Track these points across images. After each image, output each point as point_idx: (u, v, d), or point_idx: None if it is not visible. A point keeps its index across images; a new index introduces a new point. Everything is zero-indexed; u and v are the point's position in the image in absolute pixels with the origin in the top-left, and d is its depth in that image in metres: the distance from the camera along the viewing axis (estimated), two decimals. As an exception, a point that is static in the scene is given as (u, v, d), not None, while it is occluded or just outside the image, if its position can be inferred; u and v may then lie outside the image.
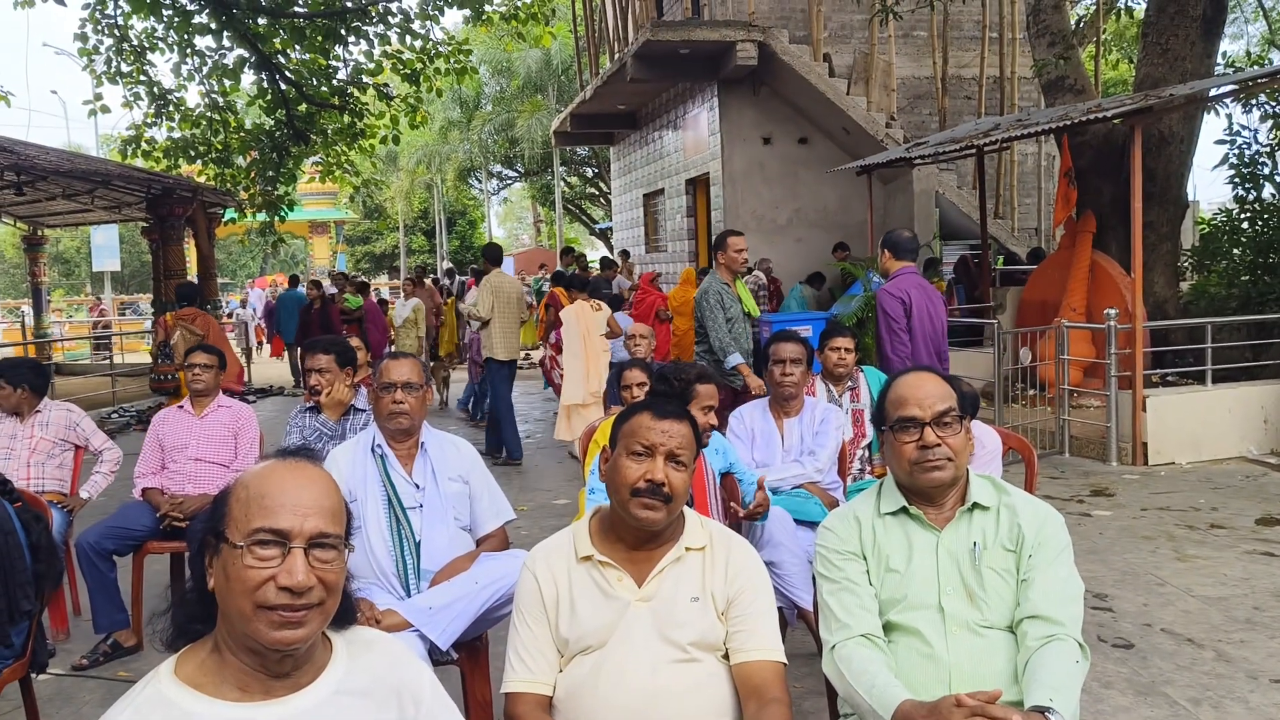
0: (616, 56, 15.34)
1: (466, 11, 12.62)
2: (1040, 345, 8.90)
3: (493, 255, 9.33)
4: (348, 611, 1.62)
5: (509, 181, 39.01)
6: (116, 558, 4.40)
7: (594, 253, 36.83)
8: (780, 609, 3.61)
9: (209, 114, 12.88)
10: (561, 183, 31.72)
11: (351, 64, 12.91)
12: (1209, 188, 65.81)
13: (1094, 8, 13.87)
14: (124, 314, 29.57)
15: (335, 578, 1.52)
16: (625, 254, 17.26)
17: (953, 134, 10.77)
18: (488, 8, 12.74)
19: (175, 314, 10.25)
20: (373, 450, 3.29)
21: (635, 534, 2.19)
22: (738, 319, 6.25)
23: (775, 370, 4.25)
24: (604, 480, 2.25)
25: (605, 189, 30.22)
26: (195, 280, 12.84)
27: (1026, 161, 14.52)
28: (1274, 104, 9.81)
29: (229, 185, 13.28)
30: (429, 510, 3.23)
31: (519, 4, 13.24)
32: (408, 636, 2.87)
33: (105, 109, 12.16)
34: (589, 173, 33.75)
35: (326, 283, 15.82)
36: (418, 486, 3.26)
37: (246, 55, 11.93)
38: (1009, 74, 13.76)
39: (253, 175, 13.19)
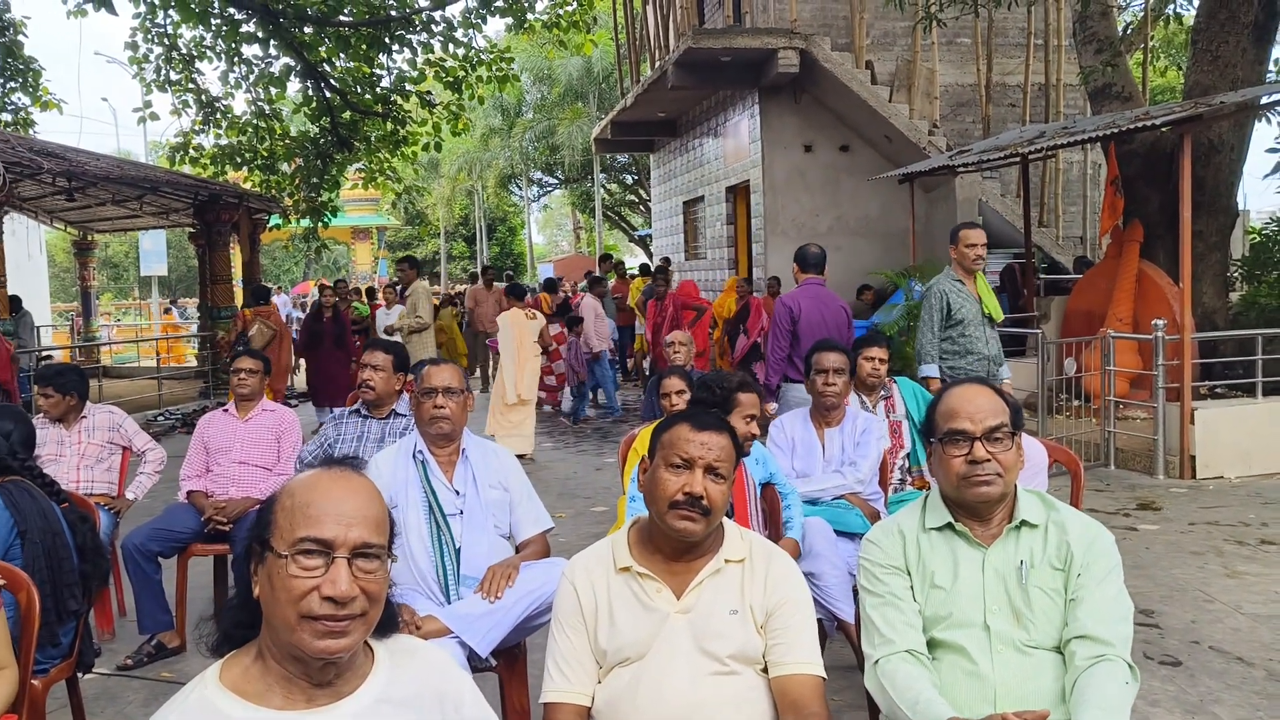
0: (657, 64, 15.35)
1: (509, 20, 12.72)
2: (1085, 356, 8.77)
3: (416, 264, 9.93)
4: (390, 620, 1.63)
5: (549, 188, 39.23)
6: (161, 559, 4.46)
7: (632, 259, 36.93)
8: (820, 621, 3.59)
9: (255, 121, 13.08)
10: (601, 190, 31.84)
11: (395, 72, 13.07)
12: (1260, 196, 64.59)
13: (1142, 14, 13.66)
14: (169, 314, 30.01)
15: (378, 588, 1.52)
16: (666, 261, 17.25)
17: (997, 141, 10.65)
18: (530, 16, 12.83)
19: (253, 310, 10.91)
20: (414, 456, 3.30)
21: (674, 545, 2.18)
22: (971, 321, 5.59)
23: (818, 380, 4.22)
24: (642, 491, 2.24)
25: (645, 196, 30.26)
26: (250, 284, 13.12)
27: (1072, 169, 14.33)
28: (1327, 112, 9.60)
29: (274, 191, 13.48)
30: (469, 517, 3.23)
31: (561, 12, 13.32)
32: (447, 643, 2.88)
33: (154, 116, 12.36)
34: (629, 180, 33.81)
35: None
36: (458, 493, 3.27)
37: (292, 63, 12.11)
38: (1054, 81, 13.59)
39: (297, 182, 13.38)
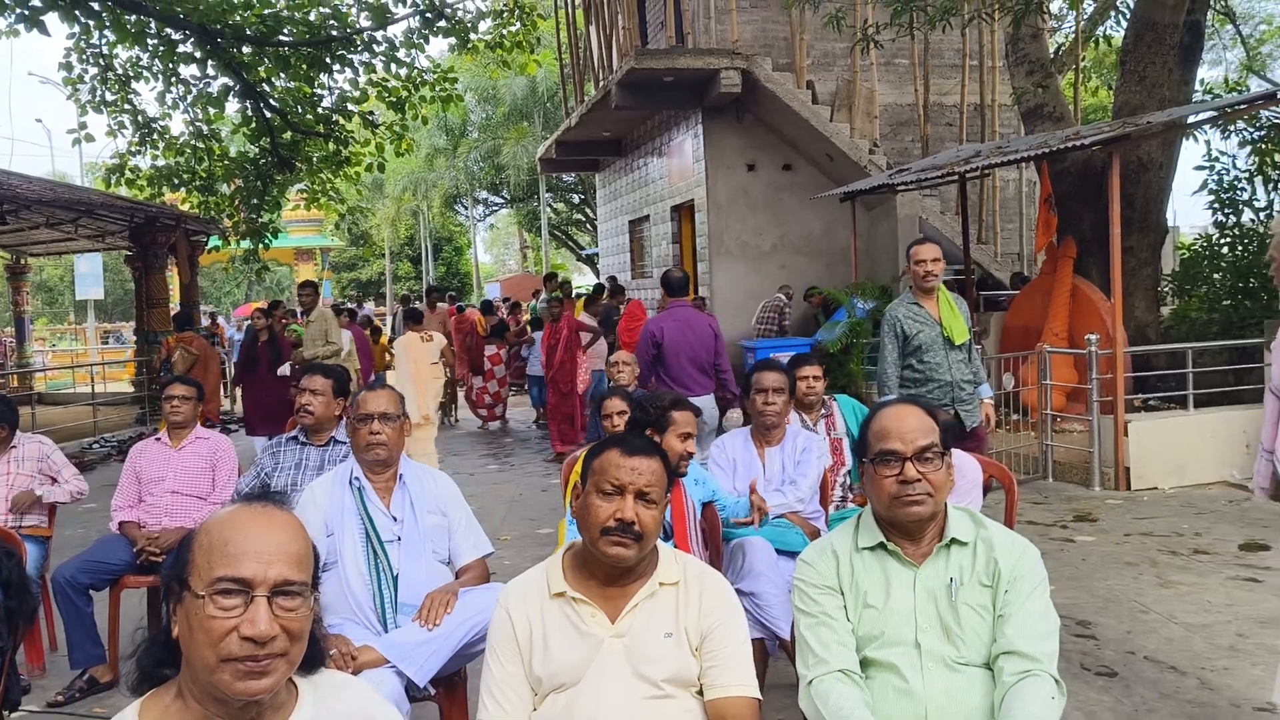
0: (601, 84, 15.42)
1: (452, 40, 12.69)
2: (1023, 370, 8.93)
3: (318, 288, 10.16)
4: (316, 656, 1.61)
5: (495, 208, 39.13)
6: (93, 592, 4.35)
7: (580, 278, 36.94)
8: (762, 640, 3.60)
9: (193, 142, 12.88)
10: (548, 209, 31.82)
11: (337, 92, 12.94)
12: (1189, 213, 66.49)
13: (1073, 36, 14.02)
14: (107, 343, 29.43)
15: (300, 625, 1.50)
16: (613, 279, 17.23)
17: (935, 160, 10.84)
18: (473, 36, 12.80)
19: (176, 336, 10.89)
20: (350, 483, 3.26)
21: (608, 570, 2.19)
22: (930, 347, 5.35)
23: (757, 399, 4.24)
24: (575, 517, 2.24)
25: (591, 215, 30.32)
26: (182, 307, 12.94)
27: (1008, 187, 14.62)
28: (1252, 130, 9.91)
29: (213, 213, 13.28)
30: (407, 543, 3.20)
31: (504, 32, 13.30)
32: (384, 673, 2.84)
33: (90, 138, 12.11)
34: (575, 199, 33.87)
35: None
36: (395, 519, 3.24)
37: (231, 83, 11.94)
38: (989, 101, 13.87)
39: (237, 203, 13.18)
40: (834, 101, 13.43)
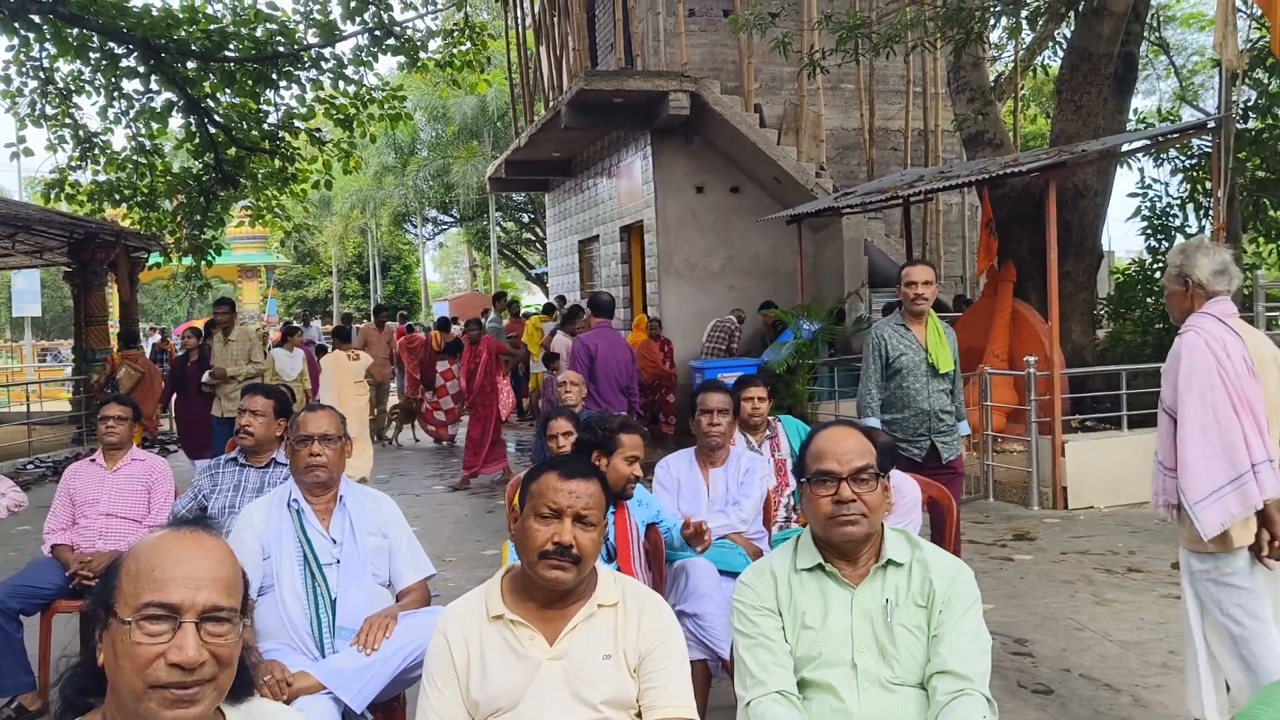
0: (551, 104, 15.45)
1: (401, 58, 12.65)
2: (966, 392, 9.05)
3: (234, 305, 9.93)
4: (245, 684, 1.58)
5: (444, 226, 38.96)
6: (23, 617, 4.24)
7: (530, 296, 36.86)
8: (704, 661, 3.61)
9: (135, 157, 12.68)
10: (497, 228, 31.75)
11: (283, 108, 12.81)
12: (1123, 239, 68.39)
13: (1012, 65, 14.34)
14: (44, 360, 28.76)
15: (229, 652, 1.48)
16: (562, 299, 17.23)
17: (879, 184, 11.00)
18: (423, 55, 12.77)
19: (121, 353, 10.99)
20: (289, 505, 3.22)
21: (546, 593, 2.19)
22: (910, 371, 5.02)
23: (702, 420, 4.27)
24: (514, 540, 2.24)
25: (541, 234, 30.30)
26: (123, 325, 12.73)
27: (951, 211, 14.87)
28: (1184, 158, 10.20)
29: (154, 229, 13.06)
30: (346, 566, 3.16)
31: (454, 52, 13.30)
32: (320, 699, 2.80)
33: (29, 152, 11.86)
34: (525, 218, 33.83)
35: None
36: (335, 542, 3.20)
37: (175, 98, 11.79)
38: (932, 127, 14.13)
39: (179, 219, 12.97)
40: (781, 125, 13.58)
